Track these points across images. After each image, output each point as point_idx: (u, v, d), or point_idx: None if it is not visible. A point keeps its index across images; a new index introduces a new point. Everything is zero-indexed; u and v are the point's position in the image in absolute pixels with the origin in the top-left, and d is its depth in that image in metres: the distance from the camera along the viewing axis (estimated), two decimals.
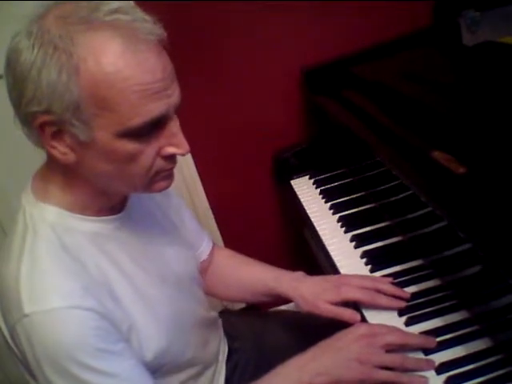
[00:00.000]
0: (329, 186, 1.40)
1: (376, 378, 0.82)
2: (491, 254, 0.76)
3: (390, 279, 1.00)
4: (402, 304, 0.94)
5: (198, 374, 1.00)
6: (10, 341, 0.79)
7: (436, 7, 1.39)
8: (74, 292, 0.75)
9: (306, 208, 1.35)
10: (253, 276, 1.13)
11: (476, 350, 0.82)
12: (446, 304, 0.91)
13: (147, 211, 0.97)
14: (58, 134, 0.74)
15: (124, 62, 0.71)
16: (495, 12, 1.23)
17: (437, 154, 0.91)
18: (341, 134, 1.33)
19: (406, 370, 0.82)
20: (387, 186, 1.16)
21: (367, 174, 1.28)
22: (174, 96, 0.76)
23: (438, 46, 1.34)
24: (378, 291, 0.97)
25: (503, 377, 0.76)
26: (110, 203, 0.87)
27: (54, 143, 0.75)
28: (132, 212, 0.91)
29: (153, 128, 0.75)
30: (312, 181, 1.45)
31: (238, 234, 1.69)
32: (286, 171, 1.53)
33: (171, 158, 0.80)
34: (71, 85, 0.70)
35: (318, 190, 1.40)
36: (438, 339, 0.85)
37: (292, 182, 1.49)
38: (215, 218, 1.69)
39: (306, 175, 1.49)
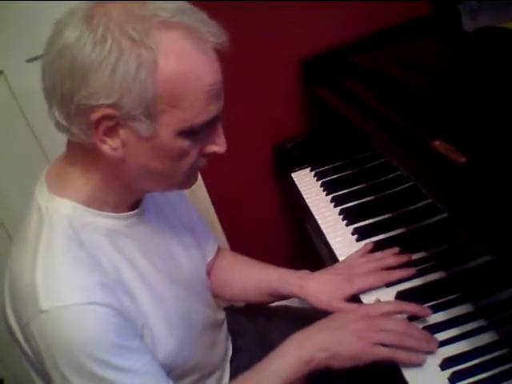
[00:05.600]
0: (330, 178, 1.38)
1: (374, 353, 0.82)
2: (493, 246, 0.74)
3: (393, 250, 1.02)
4: (412, 271, 0.96)
5: (205, 378, 1.00)
6: (20, 339, 0.78)
7: None
8: (91, 288, 0.75)
9: (307, 201, 1.33)
10: (256, 277, 1.12)
11: (481, 344, 0.80)
12: (450, 297, 0.90)
13: (159, 208, 0.97)
14: (112, 129, 0.73)
15: (197, 61, 0.73)
16: None
17: (437, 144, 0.89)
18: (341, 124, 1.31)
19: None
20: (389, 176, 1.14)
21: (369, 166, 1.26)
22: (223, 98, 0.79)
23: (438, 33, 1.32)
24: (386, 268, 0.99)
25: (509, 371, 0.75)
26: (131, 200, 0.86)
27: (106, 138, 0.74)
28: (146, 209, 0.91)
29: (206, 127, 0.77)
30: (313, 173, 1.43)
31: (238, 227, 1.68)
32: (287, 163, 1.51)
33: (210, 156, 0.83)
34: (148, 81, 0.69)
35: (319, 182, 1.38)
36: (442, 334, 0.84)
37: (293, 174, 1.47)
38: (216, 211, 1.68)
39: (307, 167, 1.47)
